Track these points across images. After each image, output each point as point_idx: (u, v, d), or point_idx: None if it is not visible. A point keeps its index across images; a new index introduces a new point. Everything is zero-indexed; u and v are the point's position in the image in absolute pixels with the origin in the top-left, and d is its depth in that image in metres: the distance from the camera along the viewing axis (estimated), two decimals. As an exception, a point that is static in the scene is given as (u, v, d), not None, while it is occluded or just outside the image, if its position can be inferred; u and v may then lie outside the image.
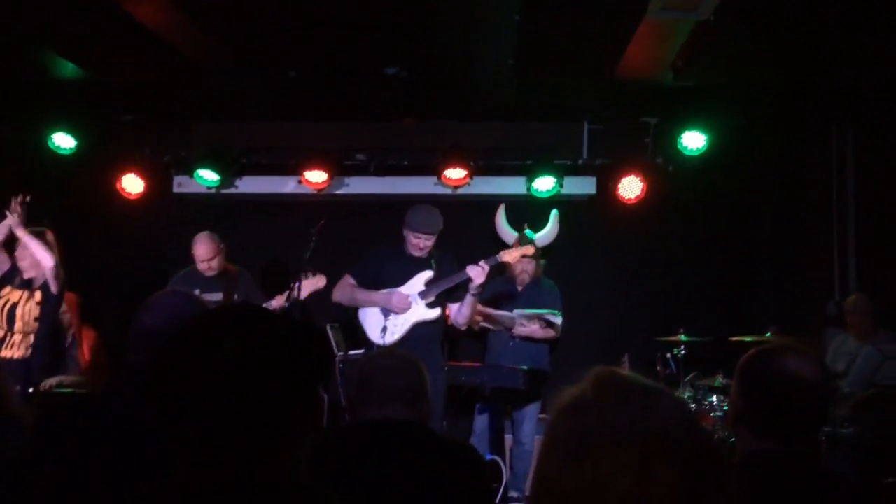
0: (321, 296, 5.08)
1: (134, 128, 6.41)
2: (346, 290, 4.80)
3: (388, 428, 2.16)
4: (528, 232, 5.99)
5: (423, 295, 4.69)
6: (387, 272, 4.74)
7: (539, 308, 5.57)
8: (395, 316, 4.63)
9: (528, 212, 6.41)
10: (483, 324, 5.66)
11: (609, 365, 1.09)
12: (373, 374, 2.23)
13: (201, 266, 5.29)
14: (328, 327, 5.58)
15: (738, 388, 1.88)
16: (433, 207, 4.83)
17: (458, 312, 4.79)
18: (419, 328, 4.66)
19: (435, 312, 4.68)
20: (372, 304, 4.69)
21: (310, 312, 5.55)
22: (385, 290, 4.69)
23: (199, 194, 6.50)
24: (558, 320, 5.49)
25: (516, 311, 5.45)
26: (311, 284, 5.00)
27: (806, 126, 6.50)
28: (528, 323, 5.48)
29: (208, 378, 1.09)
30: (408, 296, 4.65)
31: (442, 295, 4.73)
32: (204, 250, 5.28)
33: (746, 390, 1.86)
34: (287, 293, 5.07)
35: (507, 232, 6.28)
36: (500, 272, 5.74)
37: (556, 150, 6.41)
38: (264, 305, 4.97)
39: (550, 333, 5.57)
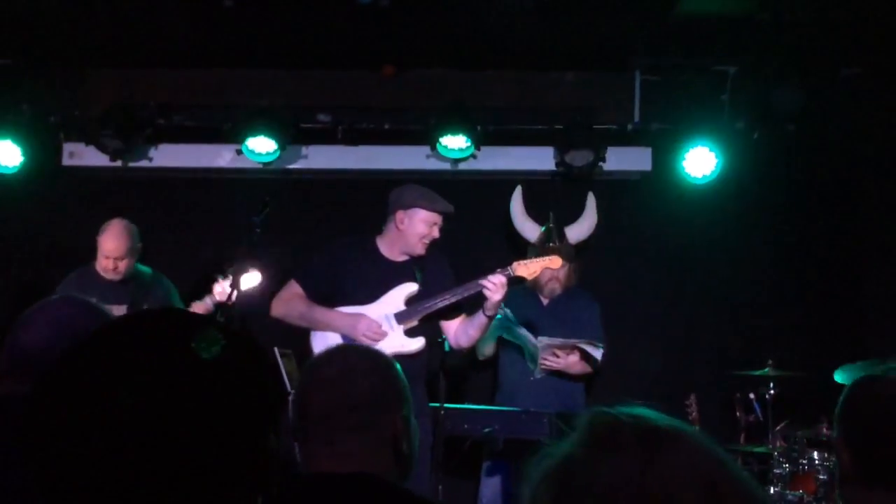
0: (265, 309, 4.99)
1: (8, 76, 6.38)
2: (291, 302, 4.73)
3: (335, 490, 1.98)
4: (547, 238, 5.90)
5: (401, 317, 4.65)
6: (350, 282, 4.68)
7: (571, 329, 5.54)
8: None
9: (556, 195, 6.40)
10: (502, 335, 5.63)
11: (672, 409, 1.09)
12: (307, 393, 2.07)
13: (103, 265, 5.27)
14: (277, 354, 5.51)
15: (843, 435, 1.88)
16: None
17: (462, 333, 4.77)
18: None
19: (417, 343, 4.65)
20: (327, 325, 4.66)
21: (250, 333, 5.50)
22: (348, 310, 4.65)
23: (98, 168, 6.47)
24: (598, 353, 5.45)
25: (542, 339, 5.42)
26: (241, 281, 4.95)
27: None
28: (561, 353, 5.44)
29: (111, 419, 1.04)
30: (380, 322, 4.62)
31: (429, 317, 4.70)
32: (114, 245, 5.26)
33: (853, 435, 1.86)
34: (211, 298, 5.05)
35: (526, 224, 6.26)
36: (517, 278, 5.69)
37: (597, 111, 6.41)
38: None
39: (587, 369, 5.54)
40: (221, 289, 5.03)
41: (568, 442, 1.09)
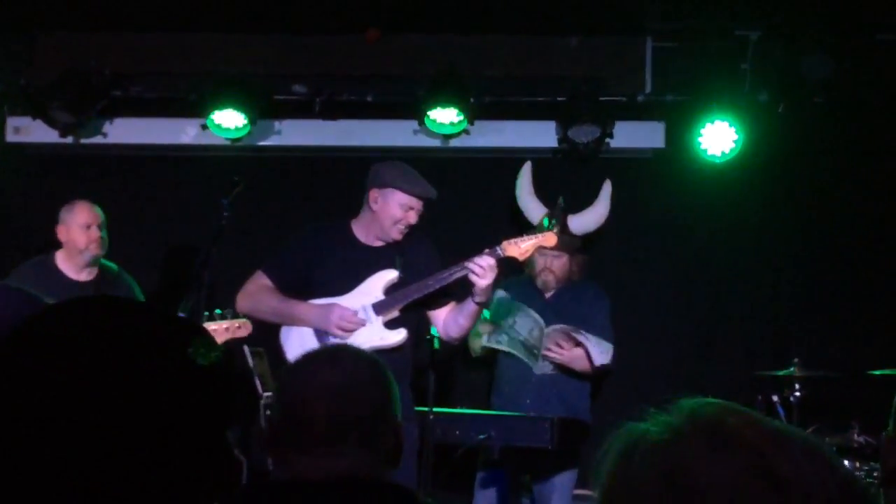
0: (231, 303, 4.92)
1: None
2: (258, 295, 4.74)
3: (336, 493, 2.06)
4: (546, 221, 5.87)
5: (380, 308, 4.64)
6: (322, 271, 4.69)
7: (576, 326, 5.51)
8: (334, 340, 4.56)
9: (562, 177, 6.41)
10: (488, 343, 5.63)
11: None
12: (307, 401, 2.11)
13: (88, 237, 5.24)
14: (247, 352, 5.52)
15: None
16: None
17: (452, 322, 4.74)
18: None
19: (398, 336, 4.63)
20: (298, 320, 4.65)
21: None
22: (320, 301, 4.65)
23: (46, 145, 6.49)
24: (604, 358, 5.42)
25: (556, 326, 5.45)
26: (227, 330, 4.81)
27: None
28: (566, 344, 5.42)
29: (53, 416, 1.05)
30: (355, 310, 4.61)
31: (412, 307, 4.69)
32: (92, 211, 5.28)
33: None
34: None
35: (531, 204, 6.26)
36: (517, 268, 5.64)
37: (604, 81, 6.39)
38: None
39: (588, 368, 5.49)
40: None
41: (662, 423, 1.09)
